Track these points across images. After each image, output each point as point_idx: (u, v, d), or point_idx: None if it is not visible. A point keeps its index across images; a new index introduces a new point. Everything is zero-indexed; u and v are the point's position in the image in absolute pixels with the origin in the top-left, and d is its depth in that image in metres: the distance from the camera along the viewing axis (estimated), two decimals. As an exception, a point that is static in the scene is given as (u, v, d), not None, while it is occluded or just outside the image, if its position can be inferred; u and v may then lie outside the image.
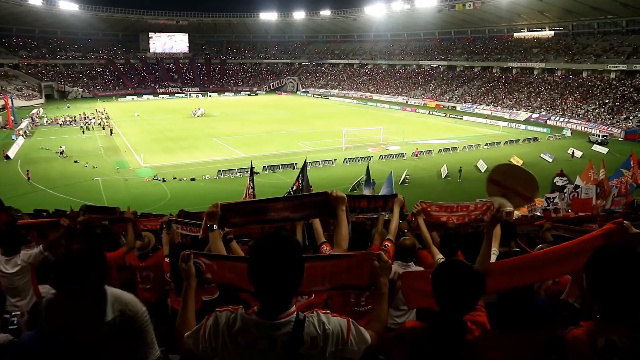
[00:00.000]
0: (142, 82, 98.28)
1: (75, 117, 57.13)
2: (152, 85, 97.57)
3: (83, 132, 49.62)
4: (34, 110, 62.56)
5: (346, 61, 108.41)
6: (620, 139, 46.57)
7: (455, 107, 73.05)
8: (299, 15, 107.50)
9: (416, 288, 2.78)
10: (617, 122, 52.12)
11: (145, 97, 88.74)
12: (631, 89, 57.88)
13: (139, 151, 39.38)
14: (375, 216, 5.83)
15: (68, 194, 27.24)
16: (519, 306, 2.86)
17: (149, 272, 5.64)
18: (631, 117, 51.82)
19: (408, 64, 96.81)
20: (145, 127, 53.55)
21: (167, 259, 5.26)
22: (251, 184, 14.52)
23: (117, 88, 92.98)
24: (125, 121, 57.47)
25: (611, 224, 2.69)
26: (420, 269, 4.32)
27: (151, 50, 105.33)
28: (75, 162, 35.97)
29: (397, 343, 2.55)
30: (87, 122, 53.98)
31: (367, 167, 22.80)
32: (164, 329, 5.38)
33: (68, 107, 69.96)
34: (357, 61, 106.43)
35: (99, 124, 53.91)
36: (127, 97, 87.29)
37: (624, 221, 2.65)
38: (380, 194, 17.76)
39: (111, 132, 48.66)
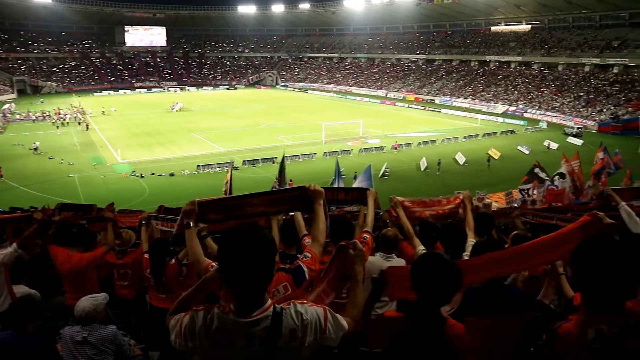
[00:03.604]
0: (119, 76, 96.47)
1: (49, 112, 55.82)
2: (129, 79, 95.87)
3: (57, 127, 48.61)
4: (6, 106, 60.85)
5: (325, 55, 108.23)
6: (594, 131, 47.57)
7: (434, 100, 73.63)
8: (278, 8, 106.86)
9: (399, 284, 2.80)
10: (591, 114, 53.21)
11: (122, 91, 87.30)
12: (604, 82, 59.13)
13: (116, 147, 38.78)
14: (356, 211, 5.86)
15: (43, 191, 26.70)
16: (495, 294, 2.93)
17: (127, 269, 5.59)
18: (604, 110, 52.97)
19: (387, 58, 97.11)
20: (123, 122, 52.69)
21: (146, 255, 5.20)
22: (229, 181, 14.40)
23: (92, 82, 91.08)
24: (101, 116, 56.40)
25: (586, 216, 2.76)
26: (402, 260, 4.36)
27: (127, 44, 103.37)
28: (50, 158, 35.22)
29: (377, 331, 2.59)
30: (61, 118, 52.80)
31: (337, 162, 22.98)
32: (143, 325, 5.35)
33: (42, 102, 68.31)
34: (336, 55, 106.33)
35: (75, 118, 52.83)
36: (104, 91, 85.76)
37: (598, 212, 2.72)
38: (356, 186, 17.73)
39: (87, 128, 47.73)
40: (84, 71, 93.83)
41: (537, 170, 18.92)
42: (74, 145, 40.47)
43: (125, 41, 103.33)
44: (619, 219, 4.58)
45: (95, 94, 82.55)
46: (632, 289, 2.19)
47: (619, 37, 63.96)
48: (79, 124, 49.75)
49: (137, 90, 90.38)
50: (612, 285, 2.11)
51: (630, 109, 50.67)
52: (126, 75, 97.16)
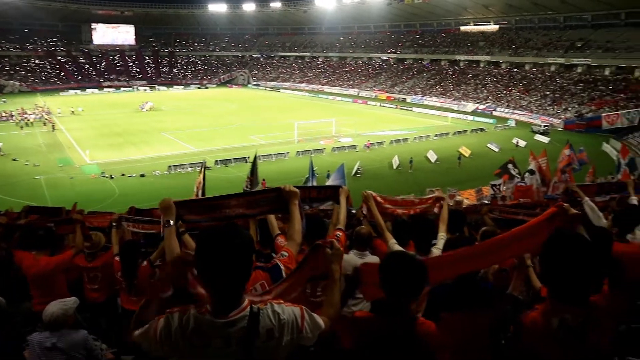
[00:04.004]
0: (86, 75, 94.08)
1: (12, 112, 53.94)
2: (97, 78, 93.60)
3: (21, 128, 47.12)
4: (-34, 106, 58.74)
5: (297, 54, 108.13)
6: (560, 129, 48.89)
7: (405, 99, 74.40)
8: (249, 6, 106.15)
9: (372, 281, 2.82)
10: (557, 113, 54.69)
11: (89, 91, 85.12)
12: (569, 82, 60.89)
13: (84, 147, 37.85)
14: (330, 209, 5.88)
15: (7, 195, 25.79)
16: (467, 288, 3.00)
17: (97, 272, 5.46)
18: (569, 108, 54.52)
19: (359, 57, 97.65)
20: (91, 122, 51.45)
21: (117, 258, 5.10)
22: (202, 181, 14.26)
23: (58, 82, 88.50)
24: (69, 116, 54.91)
25: (553, 207, 2.86)
26: (376, 258, 4.39)
27: (94, 42, 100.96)
28: (14, 160, 34.09)
29: (348, 330, 2.62)
30: (25, 118, 51.15)
31: (310, 161, 23.15)
32: (115, 329, 5.24)
33: (4, 101, 66.10)
34: (308, 54, 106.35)
35: (40, 119, 51.26)
36: (70, 91, 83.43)
37: (564, 204, 2.82)
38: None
39: (53, 128, 46.42)
40: (49, 70, 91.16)
41: (510, 165, 19.46)
42: (39, 146, 39.29)
43: (93, 39, 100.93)
44: (583, 213, 4.76)
45: (61, 93, 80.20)
46: (597, 285, 2.30)
47: (582, 38, 65.94)
48: (45, 124, 48.34)
49: (105, 89, 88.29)
50: (578, 281, 2.21)
51: (593, 107, 52.30)
52: (94, 75, 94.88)
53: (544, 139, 42.56)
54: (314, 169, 23.07)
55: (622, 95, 52.11)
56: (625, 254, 3.86)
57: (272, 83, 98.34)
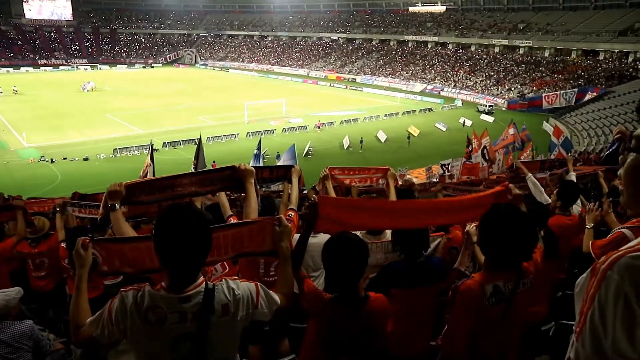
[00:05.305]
0: (19, 52, 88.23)
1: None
2: (31, 56, 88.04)
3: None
4: None
5: (246, 32, 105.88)
6: (504, 109, 50.69)
7: (355, 79, 74.70)
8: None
9: (329, 215, 2.82)
10: (500, 93, 56.65)
11: (23, 69, 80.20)
12: (512, 63, 63.08)
13: (20, 130, 35.82)
14: (281, 191, 5.90)
15: (-64, 180, 24.22)
16: (418, 266, 3.13)
17: (43, 258, 5.24)
18: (512, 89, 56.60)
19: (308, 36, 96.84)
20: (27, 102, 48.59)
21: (63, 244, 4.92)
22: (151, 162, 13.87)
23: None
24: (10, 96, 51.52)
25: (500, 186, 3.06)
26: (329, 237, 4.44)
27: (27, 16, 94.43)
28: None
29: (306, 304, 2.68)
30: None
31: (259, 142, 23.06)
32: (64, 318, 5.09)
33: None
34: (257, 33, 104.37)
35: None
36: (2, 68, 78.14)
37: (509, 184, 3.03)
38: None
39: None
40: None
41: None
42: (-31, 129, 36.87)
43: (24, 13, 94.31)
44: (527, 189, 5.05)
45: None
46: (529, 252, 2.52)
47: (524, 20, 68.32)
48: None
49: (41, 68, 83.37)
50: (510, 246, 2.40)
51: (534, 88, 54.55)
52: (27, 52, 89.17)
53: (489, 119, 44.02)
54: (264, 151, 22.95)
55: (560, 76, 54.58)
56: (561, 226, 4.13)
57: (221, 63, 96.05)
